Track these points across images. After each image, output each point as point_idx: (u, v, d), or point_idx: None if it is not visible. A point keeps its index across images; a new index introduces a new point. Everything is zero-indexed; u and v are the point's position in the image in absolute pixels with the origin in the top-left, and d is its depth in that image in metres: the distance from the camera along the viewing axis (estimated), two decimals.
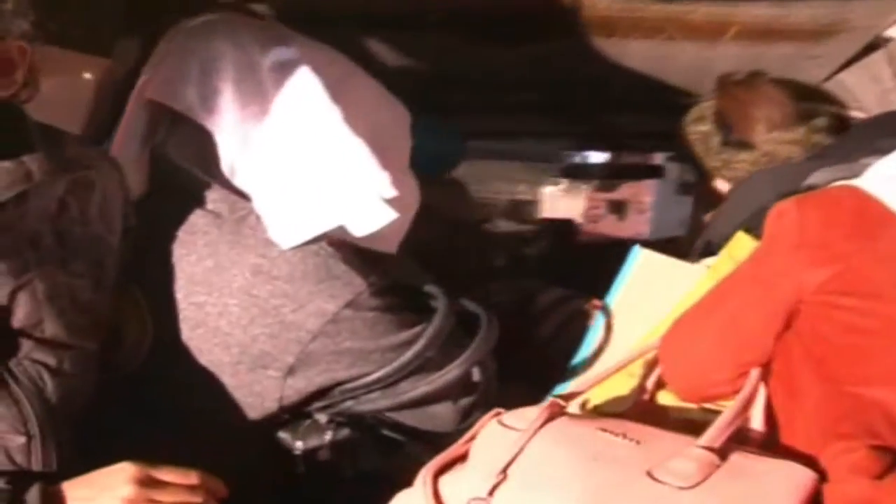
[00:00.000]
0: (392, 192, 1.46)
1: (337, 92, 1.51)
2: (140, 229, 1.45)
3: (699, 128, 2.24)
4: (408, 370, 1.49)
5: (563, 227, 3.60)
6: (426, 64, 2.46)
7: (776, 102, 2.14)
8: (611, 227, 3.50)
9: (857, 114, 2.49)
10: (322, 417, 1.48)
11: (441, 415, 1.54)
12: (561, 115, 2.98)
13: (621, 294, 1.75)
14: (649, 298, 1.65)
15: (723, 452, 1.19)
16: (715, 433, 1.22)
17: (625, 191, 3.64)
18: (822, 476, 1.16)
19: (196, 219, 1.44)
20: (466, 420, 1.54)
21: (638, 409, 1.52)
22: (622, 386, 1.58)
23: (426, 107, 2.67)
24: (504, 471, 1.22)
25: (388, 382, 1.49)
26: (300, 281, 1.41)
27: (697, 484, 1.14)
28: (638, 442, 1.23)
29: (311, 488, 1.45)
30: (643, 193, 3.85)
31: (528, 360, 1.88)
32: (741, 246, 1.59)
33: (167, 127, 1.51)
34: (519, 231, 3.67)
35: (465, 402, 1.56)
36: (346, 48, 1.66)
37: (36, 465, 1.15)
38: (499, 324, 1.58)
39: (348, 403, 1.49)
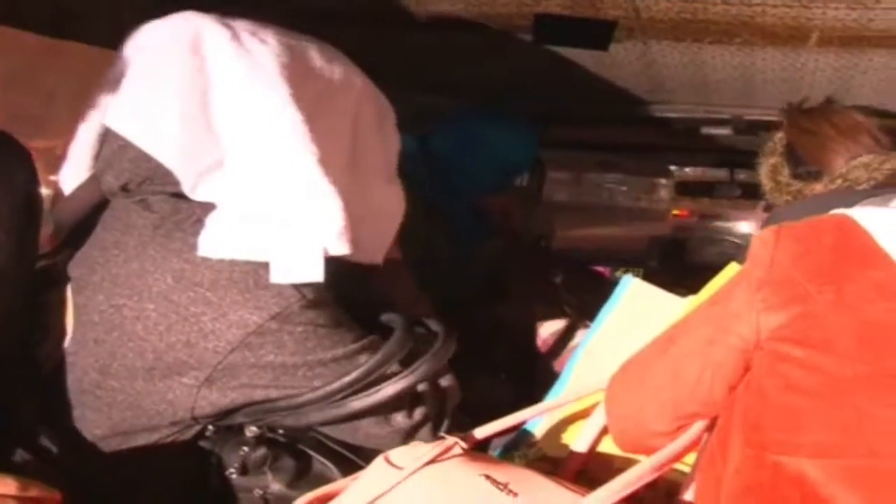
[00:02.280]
0: (346, 251, 1.35)
1: (324, 110, 1.42)
2: (89, 228, 1.41)
3: (770, 161, 2.04)
4: (347, 392, 1.37)
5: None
6: (500, 65, 2.35)
7: (853, 128, 1.94)
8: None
9: None
10: (252, 429, 1.38)
11: (376, 434, 1.42)
12: (652, 126, 2.79)
13: (606, 324, 1.59)
14: (634, 329, 1.47)
15: None
16: (602, 495, 1.05)
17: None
18: None
19: (137, 219, 1.38)
20: (406, 441, 1.41)
21: (580, 457, 1.35)
22: (574, 428, 1.42)
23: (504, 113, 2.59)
24: None
25: (326, 400, 1.38)
26: (224, 289, 1.31)
27: None
28: (516, 494, 1.08)
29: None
30: None
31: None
32: (730, 275, 1.39)
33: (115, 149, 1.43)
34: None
35: (401, 422, 1.43)
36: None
37: None
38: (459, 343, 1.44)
39: (275, 417, 1.38)
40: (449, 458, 1.19)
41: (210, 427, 1.38)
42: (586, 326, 1.91)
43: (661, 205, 3.91)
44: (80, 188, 1.44)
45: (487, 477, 1.12)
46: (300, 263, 1.31)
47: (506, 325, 1.73)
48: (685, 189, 3.80)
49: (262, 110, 1.35)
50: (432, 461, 1.17)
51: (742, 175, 3.50)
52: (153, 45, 1.39)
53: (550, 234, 2.83)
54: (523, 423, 1.43)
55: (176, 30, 1.38)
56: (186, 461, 1.37)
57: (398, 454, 1.21)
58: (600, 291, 2.40)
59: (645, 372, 1.28)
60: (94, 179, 1.43)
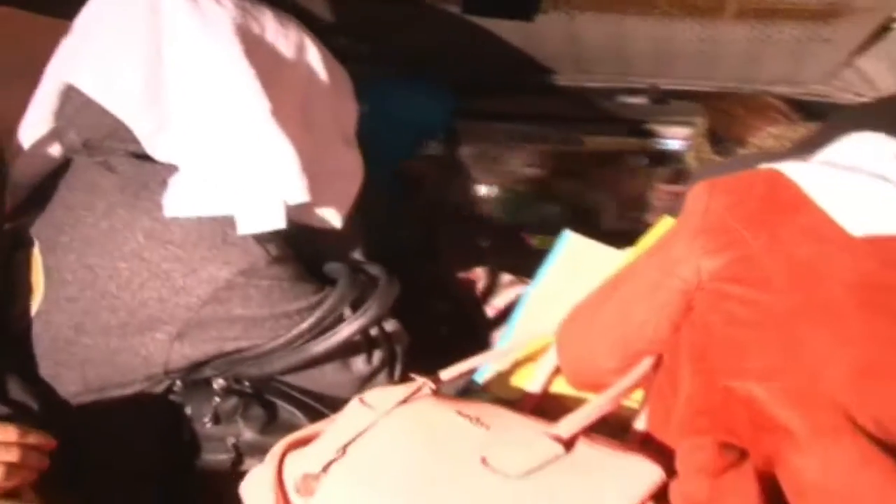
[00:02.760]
0: (303, 199, 1.41)
1: (277, 71, 1.47)
2: (51, 190, 1.45)
3: (695, 142, 2.25)
4: (307, 337, 1.44)
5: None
6: (425, 36, 2.42)
7: (761, 105, 2.17)
8: None
9: None
10: (219, 382, 1.44)
11: (337, 380, 1.49)
12: (572, 96, 2.90)
13: (548, 277, 1.69)
14: (574, 282, 1.57)
15: (571, 443, 1.11)
16: (567, 423, 1.15)
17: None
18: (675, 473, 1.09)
19: (101, 180, 1.42)
20: (365, 387, 1.49)
21: (535, 398, 1.45)
22: (527, 375, 1.52)
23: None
24: (344, 448, 1.18)
25: (287, 347, 1.45)
26: (193, 246, 1.37)
27: (529, 473, 1.07)
28: (488, 427, 1.17)
29: (194, 457, 1.42)
30: None
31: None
32: (663, 228, 1.50)
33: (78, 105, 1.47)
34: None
35: (361, 368, 1.51)
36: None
37: None
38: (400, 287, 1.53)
39: (243, 367, 1.45)
40: (419, 397, 1.28)
41: (178, 382, 1.43)
42: (524, 283, 2.01)
43: None
44: (37, 145, 1.47)
45: (459, 412, 1.21)
46: (263, 214, 1.37)
47: (441, 283, 1.80)
48: (595, 158, 3.91)
49: (215, 66, 1.40)
50: (405, 401, 1.25)
51: (654, 145, 3.64)
52: (112, 4, 1.44)
53: (473, 201, 2.93)
54: (474, 370, 1.51)
55: None
56: (157, 415, 1.42)
57: (372, 396, 1.29)
58: (525, 255, 2.51)
59: (595, 315, 1.39)
60: (52, 137, 1.47)
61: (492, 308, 2.04)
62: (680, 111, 2.92)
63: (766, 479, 1.04)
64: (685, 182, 3.33)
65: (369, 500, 1.12)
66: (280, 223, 1.37)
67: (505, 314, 1.99)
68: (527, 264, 2.19)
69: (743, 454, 1.06)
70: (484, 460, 1.09)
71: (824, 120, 1.96)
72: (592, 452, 1.12)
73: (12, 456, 1.10)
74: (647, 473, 1.07)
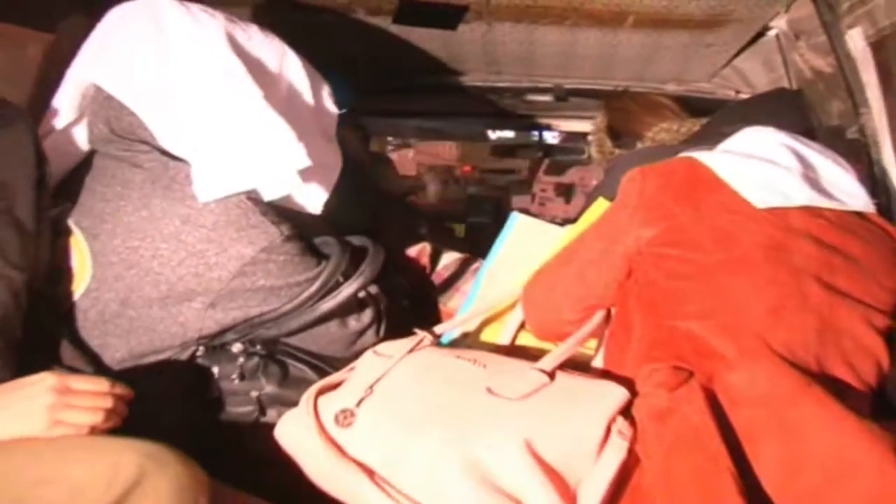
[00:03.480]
0: (306, 163, 1.67)
1: (264, 70, 1.74)
2: (78, 185, 1.66)
3: (595, 137, 2.51)
4: (315, 299, 1.71)
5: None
6: (358, 46, 2.65)
7: (653, 104, 2.45)
8: (558, 209, 3.67)
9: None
10: (237, 347, 1.69)
11: (336, 337, 1.76)
12: (483, 96, 3.19)
13: (501, 253, 1.98)
14: (526, 254, 1.87)
15: (553, 374, 1.42)
16: (549, 359, 1.46)
17: (572, 175, 3.78)
18: (636, 393, 1.40)
19: (132, 175, 1.65)
20: (356, 344, 1.77)
21: (504, 349, 1.75)
22: (493, 332, 1.81)
23: (358, 87, 2.89)
24: (371, 387, 1.45)
25: (300, 308, 1.71)
26: (223, 229, 1.62)
27: (526, 396, 1.36)
28: (485, 366, 1.46)
29: (219, 411, 1.67)
30: (590, 177, 4.04)
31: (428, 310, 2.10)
32: (599, 208, 1.81)
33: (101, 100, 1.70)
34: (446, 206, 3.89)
35: (354, 325, 1.79)
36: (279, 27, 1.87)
37: None
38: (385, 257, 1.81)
39: (261, 330, 1.70)
40: (422, 347, 1.56)
41: (201, 348, 1.68)
42: (459, 254, 2.31)
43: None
44: (65, 140, 1.70)
45: (459, 356, 1.50)
46: (279, 182, 1.65)
47: (391, 260, 2.07)
48: (498, 150, 4.23)
49: (210, 65, 1.66)
50: (412, 350, 1.54)
51: (550, 138, 3.97)
52: (123, 18, 1.71)
53: (403, 189, 3.22)
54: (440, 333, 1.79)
55: (140, 6, 1.70)
56: (186, 376, 1.66)
57: (383, 347, 1.57)
58: (452, 241, 2.80)
59: (555, 279, 1.70)
60: (78, 131, 1.70)
61: (437, 276, 2.33)
62: (579, 107, 3.23)
63: (708, 392, 1.36)
64: (562, 174, 3.67)
65: (398, 427, 1.39)
66: (296, 186, 1.66)
67: (448, 281, 2.28)
68: (453, 244, 2.50)
69: (690, 374, 1.37)
70: (489, 389, 1.39)
71: (709, 115, 2.29)
72: (570, 380, 1.43)
73: (108, 403, 1.33)
74: (616, 393, 1.38)
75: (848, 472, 1.28)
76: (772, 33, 2.48)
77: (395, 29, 2.51)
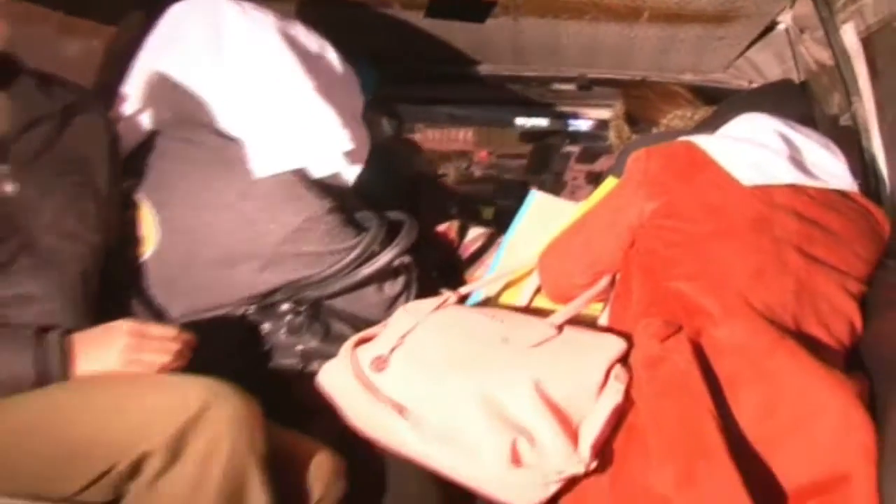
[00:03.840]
0: (349, 146, 1.93)
1: (311, 62, 1.97)
2: (142, 162, 1.90)
3: (614, 123, 2.68)
4: (355, 265, 1.93)
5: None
6: (393, 39, 2.86)
7: (669, 92, 2.61)
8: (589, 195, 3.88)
9: None
10: (285, 306, 1.91)
11: (373, 301, 1.98)
12: (510, 84, 3.39)
13: (520, 227, 2.19)
14: (542, 227, 2.08)
15: (561, 328, 1.63)
16: (558, 316, 1.67)
17: (604, 163, 3.98)
18: (633, 345, 1.60)
19: (194, 155, 1.88)
20: (390, 308, 1.97)
21: (521, 309, 1.96)
22: (512, 295, 2.03)
23: (390, 77, 3.09)
24: (402, 337, 1.67)
25: (341, 272, 1.94)
26: (273, 201, 1.85)
27: (537, 345, 1.57)
28: (502, 321, 1.67)
29: (273, 362, 1.90)
30: None
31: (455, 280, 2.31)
32: (609, 185, 2.02)
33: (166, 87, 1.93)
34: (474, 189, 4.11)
35: (389, 290, 2.01)
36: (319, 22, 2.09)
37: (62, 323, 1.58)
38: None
39: (306, 292, 1.92)
40: (447, 306, 1.78)
41: (252, 307, 1.90)
42: (485, 229, 2.53)
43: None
44: (132, 120, 1.94)
45: (479, 313, 1.71)
46: (328, 160, 1.91)
47: (424, 236, 2.28)
48: (526, 137, 4.43)
49: (265, 57, 1.91)
50: (438, 307, 1.75)
51: (577, 126, 4.17)
52: (186, 14, 1.96)
53: (435, 172, 3.44)
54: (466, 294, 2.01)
55: (200, 3, 1.95)
56: (238, 330, 1.88)
57: (412, 305, 1.79)
58: (478, 219, 3.01)
59: (567, 247, 1.90)
60: (143, 112, 1.94)
61: (464, 250, 2.55)
62: (602, 96, 3.42)
63: (695, 344, 1.56)
64: (593, 163, 3.87)
65: (426, 371, 1.61)
66: (340, 166, 1.91)
67: (474, 255, 2.50)
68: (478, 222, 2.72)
69: (680, 328, 1.57)
70: (504, 339, 1.60)
71: (720, 103, 2.47)
72: (576, 334, 1.64)
73: (175, 346, 1.55)
74: (615, 344, 1.59)
75: (816, 414, 1.48)
76: (781, 27, 2.64)
77: (427, 22, 2.71)
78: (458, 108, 4.02)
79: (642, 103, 2.61)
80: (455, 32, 2.83)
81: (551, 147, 4.30)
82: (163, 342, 1.55)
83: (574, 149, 4.13)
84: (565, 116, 3.99)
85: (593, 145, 4.10)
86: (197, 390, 1.42)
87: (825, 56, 2.39)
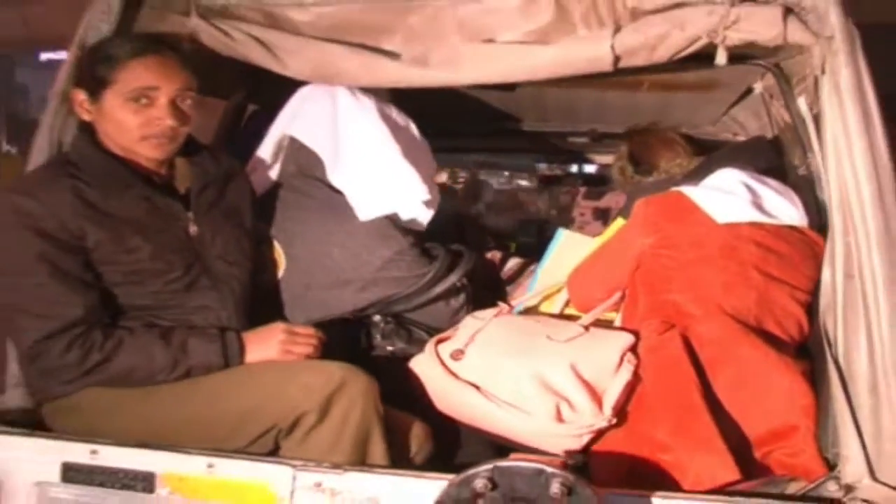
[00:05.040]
0: (428, 197, 2.54)
1: (400, 134, 2.59)
2: (273, 207, 2.54)
3: (618, 163, 3.22)
4: (430, 285, 2.53)
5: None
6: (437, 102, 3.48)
7: (670, 140, 3.15)
8: (596, 231, 4.35)
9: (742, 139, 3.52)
10: (377, 317, 2.53)
11: (442, 312, 2.59)
12: (535, 138, 4.02)
13: (553, 255, 2.83)
14: (569, 260, 2.70)
15: (587, 328, 2.27)
16: (585, 319, 2.31)
17: (609, 200, 4.41)
18: (639, 338, 2.23)
19: (308, 202, 2.51)
20: (454, 318, 2.57)
21: (555, 317, 2.59)
22: (547, 306, 2.67)
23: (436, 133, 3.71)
24: (473, 336, 2.30)
25: (420, 291, 2.53)
26: (372, 239, 2.48)
27: (570, 339, 2.21)
28: (544, 324, 2.31)
29: (370, 358, 2.48)
30: (622, 201, 4.74)
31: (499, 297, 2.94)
32: (618, 224, 2.66)
33: (295, 149, 2.57)
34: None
35: (454, 304, 2.61)
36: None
37: (229, 325, 2.21)
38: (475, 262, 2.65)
39: (393, 307, 2.53)
40: (503, 314, 2.41)
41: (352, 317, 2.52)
42: (527, 263, 3.16)
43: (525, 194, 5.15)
44: (264, 173, 2.57)
45: (527, 318, 2.35)
46: (413, 208, 2.53)
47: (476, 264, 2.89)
48: (544, 180, 5.06)
49: (367, 130, 2.53)
50: (497, 314, 2.38)
51: (587, 169, 4.78)
52: (311, 94, 2.59)
53: (476, 213, 4.10)
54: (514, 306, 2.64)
55: (321, 89, 2.56)
56: (344, 334, 2.49)
57: (479, 313, 2.42)
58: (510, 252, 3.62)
59: (589, 270, 2.54)
60: (272, 168, 2.57)
61: (504, 274, 3.18)
62: (610, 146, 4.02)
63: (684, 337, 2.17)
64: (598, 199, 4.42)
65: (492, 359, 2.23)
66: (419, 212, 2.53)
67: (512, 277, 3.13)
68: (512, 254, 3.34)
69: (672, 326, 2.19)
70: (548, 336, 2.23)
71: (708, 155, 3.06)
72: (598, 331, 2.27)
73: (314, 342, 2.18)
74: (627, 337, 2.22)
75: (771, 385, 2.09)
76: (757, 92, 3.23)
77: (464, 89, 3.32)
78: (489, 157, 4.63)
79: (645, 147, 3.13)
80: (489, 96, 3.42)
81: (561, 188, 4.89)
82: (307, 338, 2.19)
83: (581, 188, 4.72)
84: (578, 161, 4.61)
85: (599, 185, 4.65)
86: (337, 370, 2.06)
87: (788, 118, 2.97)
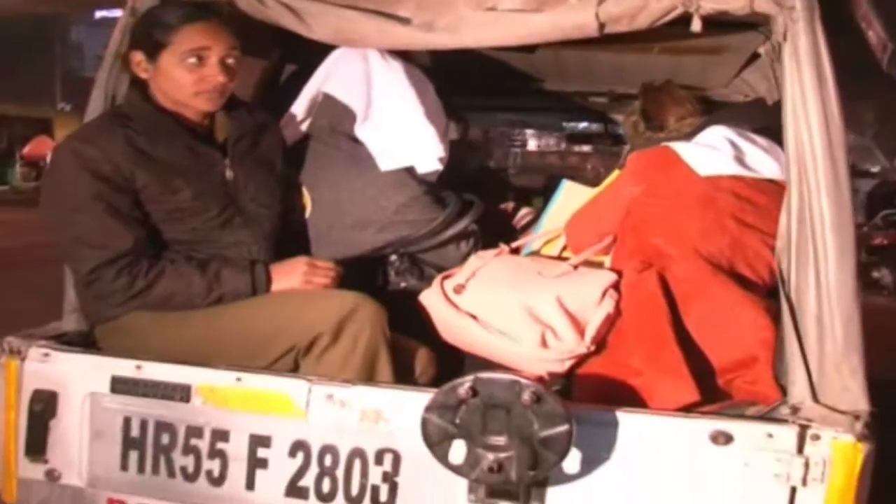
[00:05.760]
0: (442, 154, 2.82)
1: (422, 95, 2.88)
2: (302, 157, 2.84)
3: (631, 118, 3.44)
4: (443, 227, 2.83)
5: None
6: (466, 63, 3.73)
7: (681, 99, 3.34)
8: None
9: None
10: (393, 257, 2.83)
11: (452, 255, 2.87)
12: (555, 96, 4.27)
13: (558, 202, 3.09)
14: (571, 208, 2.96)
15: (576, 267, 2.53)
16: (574, 259, 2.57)
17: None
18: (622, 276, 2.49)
19: (335, 153, 2.80)
20: (464, 261, 2.82)
21: (554, 258, 2.86)
22: (548, 249, 2.93)
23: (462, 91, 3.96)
24: (474, 273, 2.58)
25: (432, 234, 2.82)
26: (389, 185, 2.77)
27: (559, 276, 2.48)
28: (539, 262, 2.58)
29: (386, 292, 2.77)
30: None
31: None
32: (614, 175, 2.91)
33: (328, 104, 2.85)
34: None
35: (464, 247, 2.89)
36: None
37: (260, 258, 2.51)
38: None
39: (408, 247, 2.83)
40: (504, 253, 2.69)
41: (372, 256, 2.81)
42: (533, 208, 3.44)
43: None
44: (297, 126, 2.85)
45: (525, 258, 2.61)
46: (429, 161, 2.80)
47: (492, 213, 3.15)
48: (573, 138, 5.31)
49: (395, 89, 2.82)
50: (498, 254, 2.65)
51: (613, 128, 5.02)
52: (345, 55, 2.86)
53: (496, 167, 4.37)
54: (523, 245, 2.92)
55: (353, 51, 2.83)
56: (363, 270, 2.78)
57: (480, 253, 2.69)
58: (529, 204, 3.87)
59: (584, 217, 2.80)
60: (304, 122, 2.86)
61: (517, 222, 3.46)
62: (627, 106, 4.24)
63: (661, 276, 2.43)
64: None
65: (490, 292, 2.50)
66: (434, 165, 2.80)
67: (524, 227, 3.40)
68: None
69: (651, 266, 2.45)
70: (539, 272, 2.50)
71: (710, 115, 3.28)
72: (586, 270, 2.54)
73: (333, 274, 2.47)
74: (610, 275, 2.48)
75: (737, 319, 2.34)
76: (764, 56, 3.43)
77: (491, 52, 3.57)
78: (516, 115, 4.90)
79: (657, 105, 3.31)
80: (513, 58, 3.67)
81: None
82: (326, 271, 2.48)
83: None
84: (604, 121, 4.85)
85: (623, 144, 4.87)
86: (350, 298, 2.34)
87: None
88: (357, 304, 2.33)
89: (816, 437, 1.94)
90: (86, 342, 2.52)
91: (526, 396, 1.88)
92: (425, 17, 2.44)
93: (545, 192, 4.72)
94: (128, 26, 2.57)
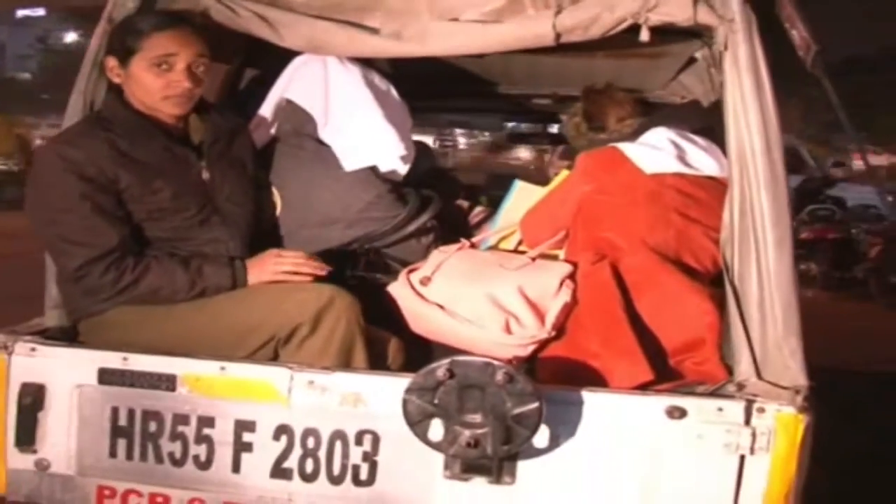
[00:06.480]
0: (404, 152, 2.98)
1: (381, 97, 3.03)
2: (271, 159, 2.97)
3: (573, 120, 3.55)
4: (405, 223, 2.98)
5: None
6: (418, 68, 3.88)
7: (621, 101, 3.46)
8: None
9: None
10: (360, 252, 2.97)
11: (414, 248, 3.03)
12: (499, 98, 4.45)
13: (511, 201, 3.27)
14: (523, 206, 3.14)
15: (534, 260, 2.72)
16: (531, 253, 2.76)
17: None
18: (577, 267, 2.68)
19: (300, 154, 2.95)
20: (425, 254, 2.99)
21: (510, 252, 3.05)
22: (504, 244, 3.12)
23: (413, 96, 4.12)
24: (439, 265, 2.75)
25: (395, 229, 2.98)
26: (355, 185, 2.92)
27: (519, 268, 2.66)
28: (498, 256, 2.76)
29: (354, 286, 2.89)
30: None
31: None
32: (564, 174, 3.10)
33: (290, 110, 3.00)
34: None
35: (425, 241, 3.06)
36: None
37: (236, 254, 2.65)
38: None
39: (373, 243, 2.98)
40: (464, 248, 2.86)
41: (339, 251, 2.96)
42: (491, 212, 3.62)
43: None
44: (264, 131, 2.99)
45: (484, 252, 2.79)
46: (391, 160, 2.96)
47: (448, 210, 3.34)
48: (512, 138, 5.51)
49: (353, 93, 2.96)
50: (459, 249, 2.83)
51: (550, 129, 5.22)
52: (306, 63, 3.00)
53: (447, 167, 4.52)
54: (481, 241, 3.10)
55: (313, 58, 2.97)
56: (333, 264, 2.91)
57: (442, 248, 2.86)
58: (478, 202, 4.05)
59: (538, 215, 2.98)
60: (270, 127, 3.00)
61: (472, 219, 3.64)
62: (569, 108, 4.43)
63: (613, 267, 2.62)
64: (572, 159, 4.86)
65: (455, 284, 2.67)
66: (396, 164, 2.96)
67: (478, 224, 3.58)
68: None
69: (604, 257, 2.64)
70: (500, 265, 2.68)
71: (650, 116, 3.48)
72: (543, 262, 2.72)
73: (300, 260, 2.60)
74: (566, 266, 2.68)
75: (684, 305, 2.53)
76: (700, 60, 3.63)
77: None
78: (458, 116, 5.08)
79: (598, 106, 3.41)
80: (459, 60, 3.80)
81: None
82: (293, 259, 2.61)
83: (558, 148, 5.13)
84: (543, 121, 5.04)
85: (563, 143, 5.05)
86: (326, 290, 2.49)
87: None
88: (333, 296, 2.48)
89: (762, 410, 2.15)
90: (68, 338, 2.62)
91: (499, 377, 2.06)
92: (393, 28, 2.59)
93: (490, 191, 4.96)
94: (105, 33, 2.68)
